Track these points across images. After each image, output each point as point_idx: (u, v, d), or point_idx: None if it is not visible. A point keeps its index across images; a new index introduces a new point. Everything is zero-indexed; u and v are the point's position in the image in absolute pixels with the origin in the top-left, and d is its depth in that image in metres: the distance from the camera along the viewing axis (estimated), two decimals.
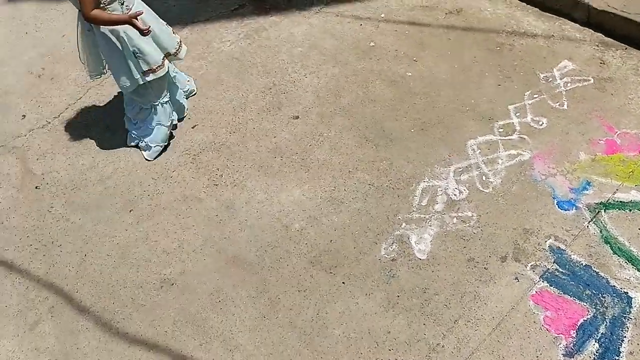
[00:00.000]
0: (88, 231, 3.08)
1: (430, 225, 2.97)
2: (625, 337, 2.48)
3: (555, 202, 3.00)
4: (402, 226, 2.98)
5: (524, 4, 4.16)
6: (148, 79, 3.05)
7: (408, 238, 2.93)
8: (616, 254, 2.74)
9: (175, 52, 3.23)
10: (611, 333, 2.49)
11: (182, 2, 4.62)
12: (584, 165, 3.13)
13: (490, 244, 2.87)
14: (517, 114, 3.45)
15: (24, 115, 3.72)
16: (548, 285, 2.68)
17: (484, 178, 3.15)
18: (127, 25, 2.84)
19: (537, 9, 4.10)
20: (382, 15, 4.26)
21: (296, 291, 2.77)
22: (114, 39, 2.90)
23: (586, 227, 2.86)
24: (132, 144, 3.44)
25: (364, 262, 2.85)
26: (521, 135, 3.33)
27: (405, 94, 3.66)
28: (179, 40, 3.24)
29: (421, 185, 3.16)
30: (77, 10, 2.89)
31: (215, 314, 2.73)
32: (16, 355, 2.65)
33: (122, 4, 2.86)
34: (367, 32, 4.13)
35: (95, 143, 3.52)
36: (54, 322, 2.75)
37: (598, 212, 2.90)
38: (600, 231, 2.83)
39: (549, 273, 2.71)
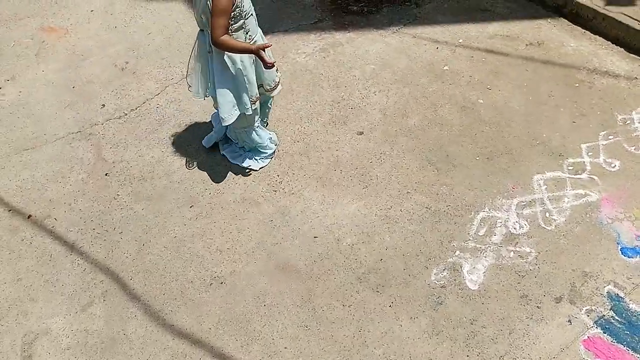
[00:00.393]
0: (149, 222, 3.21)
1: (486, 257, 2.90)
2: None
3: (619, 247, 2.87)
4: (456, 254, 2.92)
5: (610, 42, 4.02)
6: (252, 108, 3.03)
7: (460, 267, 2.87)
8: None
9: (270, 89, 3.14)
10: None
11: (264, 11, 4.76)
12: None
13: (546, 282, 2.77)
14: (590, 154, 3.32)
15: (103, 105, 3.93)
16: (602, 331, 2.56)
17: (547, 215, 3.05)
18: (245, 54, 2.81)
19: (622, 49, 3.96)
20: (460, 41, 4.22)
21: (341, 305, 2.76)
22: (231, 65, 2.84)
23: None
24: (242, 164, 3.42)
25: (412, 286, 2.81)
26: (591, 176, 3.21)
27: (474, 121, 3.60)
28: (277, 79, 3.15)
29: (480, 215, 3.09)
30: (199, 30, 2.91)
31: (259, 318, 2.76)
32: (66, 333, 2.78)
33: (247, 33, 2.80)
34: (442, 56, 4.11)
35: (165, 138, 3.67)
36: (106, 306, 2.86)
37: None
38: None
39: (604, 320, 2.59)
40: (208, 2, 2.63)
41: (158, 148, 3.60)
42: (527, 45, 4.10)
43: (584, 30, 4.15)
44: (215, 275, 2.93)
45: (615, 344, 2.51)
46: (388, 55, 4.15)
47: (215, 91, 2.95)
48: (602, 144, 3.36)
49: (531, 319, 2.64)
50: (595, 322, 2.58)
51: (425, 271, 2.86)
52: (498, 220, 3.06)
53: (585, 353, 2.49)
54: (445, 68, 4.00)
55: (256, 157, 3.43)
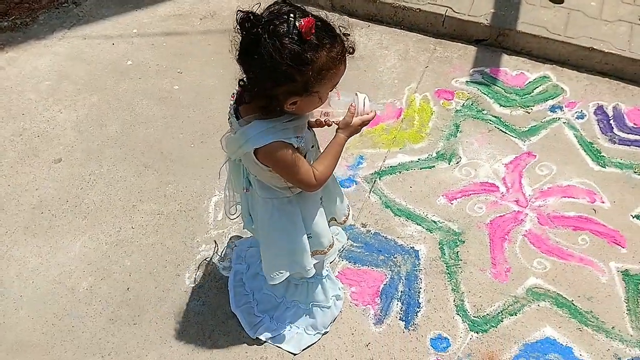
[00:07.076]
0: None
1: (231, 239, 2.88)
2: (421, 288, 2.67)
3: (338, 181, 3.11)
4: (202, 248, 2.84)
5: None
6: (315, 261, 2.17)
7: (210, 259, 2.80)
8: (397, 215, 2.95)
9: (342, 222, 2.31)
10: (409, 289, 2.67)
11: None
12: (354, 141, 3.28)
13: None
14: None
15: None
16: (347, 262, 2.77)
17: None
18: (308, 199, 2.02)
19: None
20: (135, 31, 4.00)
21: (100, 358, 2.47)
22: (284, 216, 2.01)
23: (367, 197, 3.02)
24: (269, 334, 2.49)
25: (170, 299, 2.65)
26: None
27: (176, 109, 3.49)
28: (348, 211, 2.33)
29: (213, 200, 3.05)
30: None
31: None
32: None
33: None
34: (121, 51, 3.85)
35: None
36: None
37: (374, 181, 3.10)
38: (380, 198, 3.02)
39: (346, 251, 2.81)
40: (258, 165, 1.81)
41: None
42: (201, 19, 4.09)
43: None
44: None
45: (361, 267, 2.75)
46: (61, 65, 3.73)
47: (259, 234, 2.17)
48: None
49: None
50: (340, 256, 2.79)
51: (178, 279, 2.72)
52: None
53: (342, 287, 2.66)
54: (129, 63, 3.77)
55: (305, 330, 2.50)
